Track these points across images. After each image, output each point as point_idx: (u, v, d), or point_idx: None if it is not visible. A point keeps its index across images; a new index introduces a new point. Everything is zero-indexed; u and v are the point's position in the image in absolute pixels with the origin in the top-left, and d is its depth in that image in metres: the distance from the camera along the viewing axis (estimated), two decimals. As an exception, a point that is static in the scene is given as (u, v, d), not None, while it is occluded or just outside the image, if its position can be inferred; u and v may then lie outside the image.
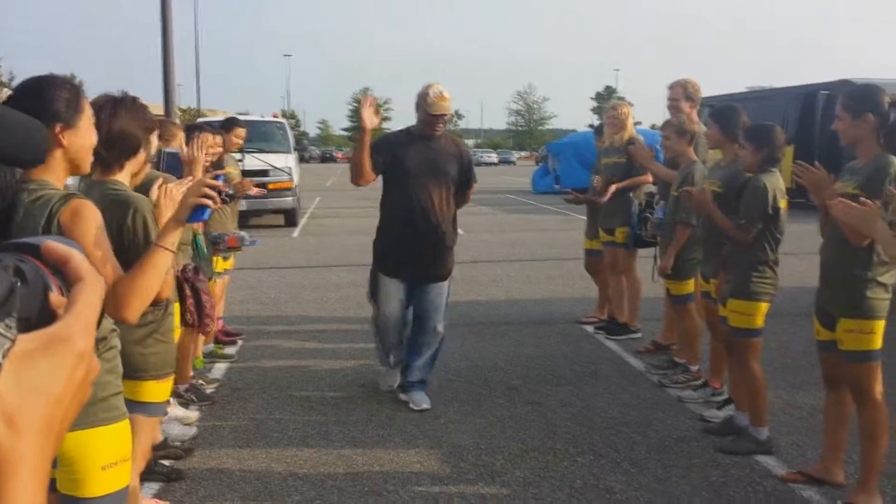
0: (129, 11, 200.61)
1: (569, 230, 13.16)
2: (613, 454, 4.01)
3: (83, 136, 2.09)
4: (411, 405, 4.60)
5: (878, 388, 3.33)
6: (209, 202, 2.13)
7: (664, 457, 3.97)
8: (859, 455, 3.46)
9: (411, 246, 4.53)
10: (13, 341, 0.42)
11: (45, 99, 2.03)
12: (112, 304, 1.95)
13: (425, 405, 4.60)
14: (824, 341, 3.51)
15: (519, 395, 4.95)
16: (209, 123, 6.45)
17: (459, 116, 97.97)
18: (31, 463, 0.44)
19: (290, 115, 79.85)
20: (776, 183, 4.00)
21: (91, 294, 0.49)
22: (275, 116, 18.35)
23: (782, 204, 3.99)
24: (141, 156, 2.62)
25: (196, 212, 2.16)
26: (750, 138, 4.02)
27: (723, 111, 4.57)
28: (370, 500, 3.51)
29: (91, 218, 2.03)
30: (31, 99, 2.02)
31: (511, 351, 5.95)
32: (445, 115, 4.55)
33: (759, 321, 3.98)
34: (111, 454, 2.04)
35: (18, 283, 0.45)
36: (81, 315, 0.47)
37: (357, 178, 4.57)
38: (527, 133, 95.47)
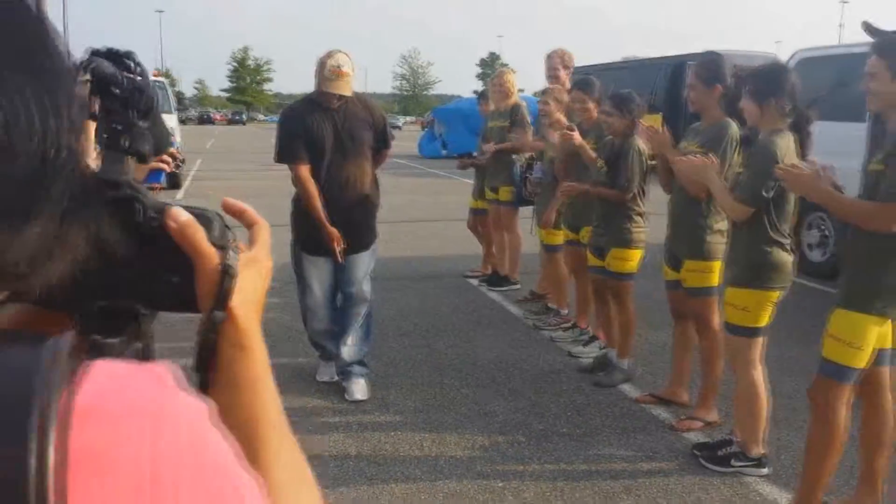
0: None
1: (454, 193, 13.66)
2: (494, 385, 4.51)
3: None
4: (346, 395, 4.27)
5: (716, 320, 3.93)
6: (163, 166, 2.40)
7: (538, 386, 4.51)
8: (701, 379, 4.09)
9: (334, 223, 4.18)
10: (238, 258, 0.66)
11: None
12: None
13: (359, 396, 4.25)
14: (671, 280, 4.10)
15: (410, 340, 5.37)
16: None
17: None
18: (258, 335, 0.68)
19: (165, 75, 76.59)
20: (644, 145, 4.55)
21: (264, 230, 0.73)
22: (155, 75, 17.83)
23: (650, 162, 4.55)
24: None
25: (152, 174, 2.45)
26: (616, 106, 4.52)
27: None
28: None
29: None
30: None
31: (402, 304, 6.35)
32: (339, 95, 4.07)
33: (635, 265, 4.55)
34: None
35: (226, 226, 0.68)
36: (262, 244, 0.72)
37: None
38: (412, 98, 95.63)
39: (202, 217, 0.65)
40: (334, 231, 4.17)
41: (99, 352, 0.58)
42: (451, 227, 10.02)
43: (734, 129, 3.80)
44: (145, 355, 0.64)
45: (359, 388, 4.28)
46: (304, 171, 4.16)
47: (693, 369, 4.19)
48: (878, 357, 2.90)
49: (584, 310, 5.35)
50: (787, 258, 3.30)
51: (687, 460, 3.60)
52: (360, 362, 4.38)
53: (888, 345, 2.92)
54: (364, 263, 4.34)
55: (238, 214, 0.71)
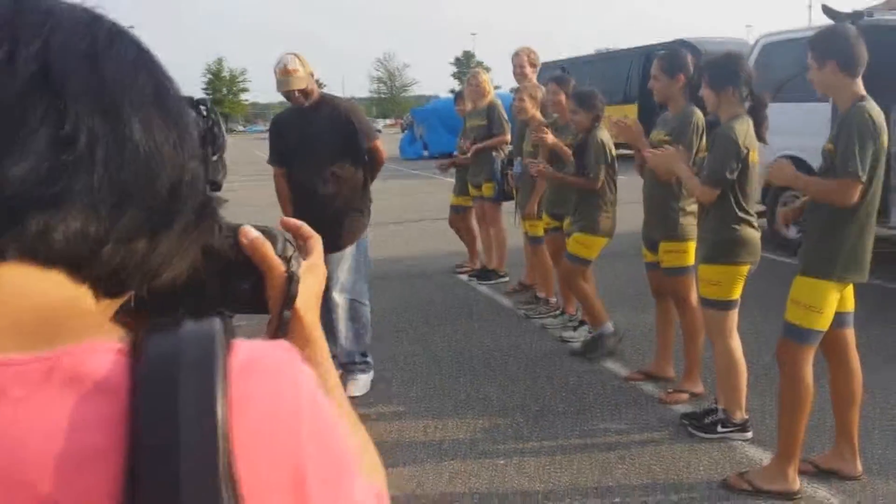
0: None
1: (436, 193, 13.85)
2: (490, 372, 4.73)
3: None
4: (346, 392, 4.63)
5: (693, 297, 4.15)
6: None
7: (531, 370, 4.73)
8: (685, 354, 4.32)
9: (305, 221, 4.42)
10: (300, 267, 0.81)
11: None
12: None
13: (355, 392, 4.37)
14: (650, 262, 4.33)
15: (406, 336, 5.58)
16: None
17: (320, 85, 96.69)
18: (320, 329, 0.84)
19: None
20: (607, 137, 4.80)
21: (318, 241, 0.90)
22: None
23: (614, 153, 4.81)
24: None
25: None
26: (580, 104, 4.76)
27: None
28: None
29: None
30: None
31: (395, 302, 6.54)
32: (293, 91, 4.24)
33: (594, 253, 4.81)
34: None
35: (286, 240, 0.82)
36: (318, 253, 0.88)
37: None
38: (390, 100, 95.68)
39: (268, 233, 0.79)
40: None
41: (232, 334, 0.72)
42: (437, 226, 10.21)
43: (699, 115, 4.03)
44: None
45: (355, 385, 4.41)
46: (277, 172, 4.46)
47: (677, 345, 4.43)
48: (842, 320, 3.14)
49: (570, 296, 5.57)
50: (753, 234, 3.53)
51: (676, 430, 3.83)
52: (356, 360, 4.50)
53: (850, 308, 3.16)
54: (339, 264, 4.36)
55: (295, 230, 0.88)
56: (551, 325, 5.59)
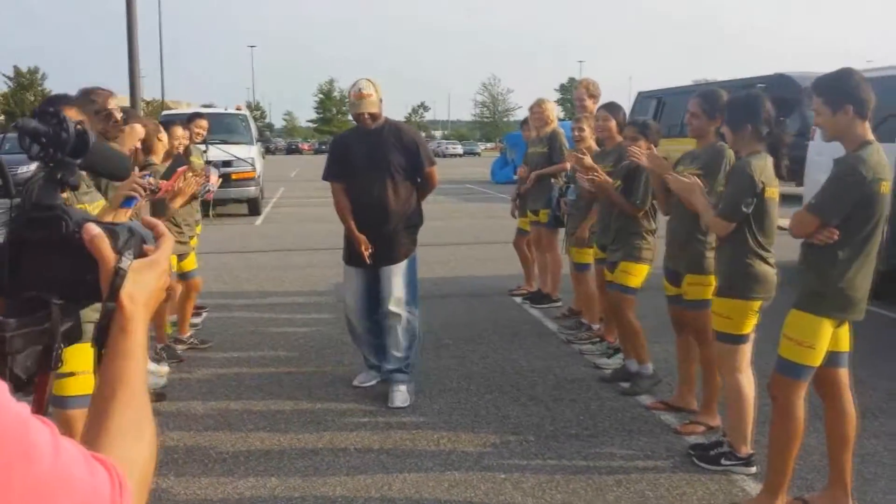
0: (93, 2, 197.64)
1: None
2: (516, 392, 4.86)
3: None
4: (388, 402, 4.59)
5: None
6: (135, 194, 2.99)
7: (556, 393, 4.83)
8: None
9: (367, 234, 4.66)
10: (130, 262, 0.91)
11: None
12: None
13: (399, 403, 4.56)
14: (672, 296, 4.37)
15: (447, 351, 5.77)
16: (178, 117, 7.15)
17: (425, 108, 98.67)
18: (142, 320, 0.90)
19: (255, 107, 79.79)
20: None
21: (168, 240, 0.97)
22: (238, 109, 18.92)
23: None
24: None
25: (126, 200, 3.03)
26: (640, 131, 4.84)
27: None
28: (311, 427, 4.31)
29: None
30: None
31: (445, 319, 6.76)
32: (363, 114, 4.56)
33: (639, 281, 4.85)
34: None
35: (131, 236, 0.95)
36: (164, 251, 0.95)
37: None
38: (492, 124, 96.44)
39: (111, 230, 0.89)
40: (362, 236, 4.66)
41: None
42: (507, 249, 10.37)
43: (730, 152, 4.07)
44: (50, 336, 0.86)
45: (398, 397, 4.61)
46: (337, 187, 4.76)
47: (699, 377, 4.43)
48: (836, 360, 3.14)
49: (612, 324, 5.63)
50: (767, 269, 3.55)
51: (682, 460, 3.86)
52: (401, 370, 4.72)
53: (845, 348, 3.15)
54: (387, 277, 4.69)
55: (151, 227, 1.00)
56: (588, 352, 5.66)
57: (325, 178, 4.89)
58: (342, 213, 4.75)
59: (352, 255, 4.78)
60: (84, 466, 0.70)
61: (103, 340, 0.89)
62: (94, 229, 0.88)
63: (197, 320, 6.63)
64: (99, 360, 0.88)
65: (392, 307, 4.71)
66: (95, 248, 0.88)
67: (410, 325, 4.80)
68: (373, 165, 4.63)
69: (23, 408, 0.67)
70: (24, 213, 0.89)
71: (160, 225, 1.01)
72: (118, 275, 0.88)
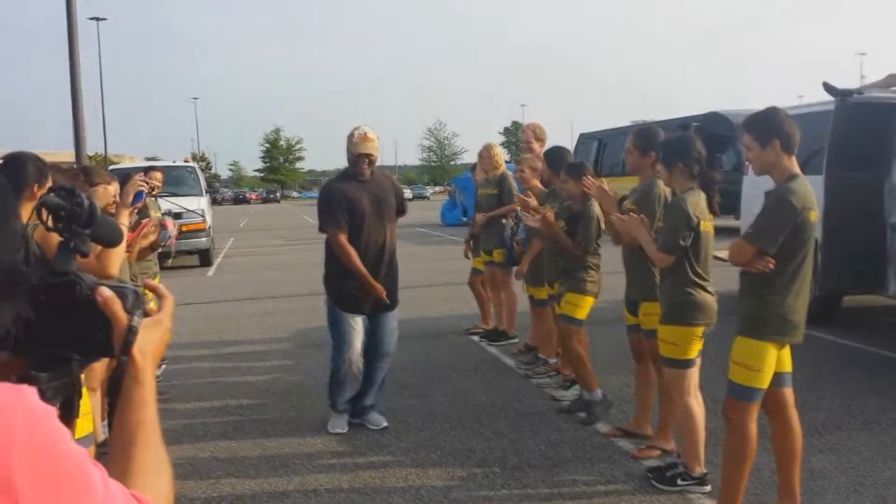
0: (34, 60, 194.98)
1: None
2: (479, 427, 4.99)
3: None
4: (371, 426, 4.93)
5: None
6: (141, 189, 3.38)
7: (518, 426, 4.98)
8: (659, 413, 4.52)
9: (377, 278, 4.79)
10: (140, 321, 1.02)
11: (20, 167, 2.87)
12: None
13: (385, 423, 4.96)
14: (631, 325, 4.59)
15: (409, 391, 5.88)
16: (125, 170, 7.21)
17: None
18: (151, 372, 1.01)
19: (200, 158, 79.26)
20: (600, 211, 5.12)
21: (170, 301, 1.09)
22: (186, 161, 18.92)
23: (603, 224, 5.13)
24: None
25: (135, 197, 3.41)
26: (570, 174, 5.12)
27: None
28: (280, 471, 4.37)
29: None
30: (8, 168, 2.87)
31: (405, 360, 6.83)
32: (369, 154, 4.80)
33: (584, 313, 5.08)
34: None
35: (137, 297, 1.04)
36: (167, 311, 1.08)
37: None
38: (439, 168, 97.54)
39: (120, 292, 0.99)
40: (378, 285, 4.78)
41: (29, 380, 0.90)
42: (462, 289, 10.56)
43: (661, 186, 4.34)
44: (71, 388, 0.97)
45: (381, 419, 5.00)
46: (343, 237, 4.79)
47: (656, 403, 4.64)
48: (780, 380, 3.37)
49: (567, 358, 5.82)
50: (707, 297, 3.79)
51: (641, 483, 4.03)
52: (374, 404, 5.08)
53: (787, 368, 3.40)
54: (391, 322, 5.01)
55: (153, 290, 1.14)
56: (546, 385, 5.84)
57: (328, 228, 4.80)
58: (354, 262, 4.74)
59: (356, 303, 4.84)
60: (124, 499, 0.85)
61: (117, 391, 1.00)
62: (106, 292, 0.98)
63: (157, 372, 6.60)
64: (111, 408, 1.05)
65: (391, 350, 5.06)
66: (109, 308, 0.98)
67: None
68: (377, 212, 4.82)
69: (82, 449, 0.82)
70: (39, 278, 0.98)
71: (160, 287, 1.14)
72: (131, 332, 0.99)
